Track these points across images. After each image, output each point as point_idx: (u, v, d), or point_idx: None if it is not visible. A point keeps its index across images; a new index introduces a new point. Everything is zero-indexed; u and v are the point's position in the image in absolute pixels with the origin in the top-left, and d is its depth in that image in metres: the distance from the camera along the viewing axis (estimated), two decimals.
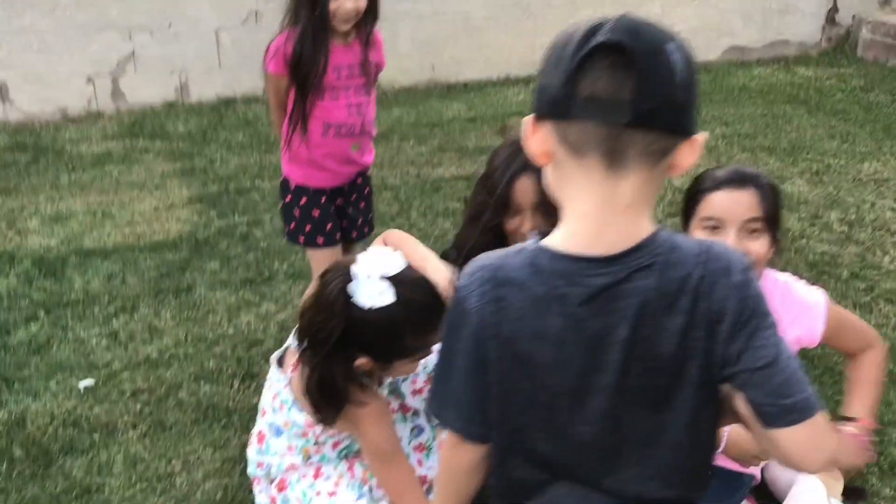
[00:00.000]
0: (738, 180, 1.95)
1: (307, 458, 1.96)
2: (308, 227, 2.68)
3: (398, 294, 1.69)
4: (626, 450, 1.23)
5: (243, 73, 5.52)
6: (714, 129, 5.18)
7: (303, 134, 2.54)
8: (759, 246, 1.91)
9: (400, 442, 1.93)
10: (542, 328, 1.17)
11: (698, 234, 1.96)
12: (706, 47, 6.44)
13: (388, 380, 1.99)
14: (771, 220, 1.93)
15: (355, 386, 1.78)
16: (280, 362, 1.96)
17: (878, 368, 2.09)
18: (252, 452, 2.03)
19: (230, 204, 4.18)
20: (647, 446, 1.22)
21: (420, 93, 5.95)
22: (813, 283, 2.14)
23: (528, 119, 1.16)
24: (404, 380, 1.98)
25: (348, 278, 1.69)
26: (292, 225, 2.72)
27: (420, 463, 2.03)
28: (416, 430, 2.02)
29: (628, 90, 1.04)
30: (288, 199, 2.71)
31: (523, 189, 2.03)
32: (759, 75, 6.34)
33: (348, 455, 2.00)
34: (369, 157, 2.74)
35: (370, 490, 1.95)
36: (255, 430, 2.04)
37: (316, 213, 2.66)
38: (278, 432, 1.95)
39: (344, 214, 2.73)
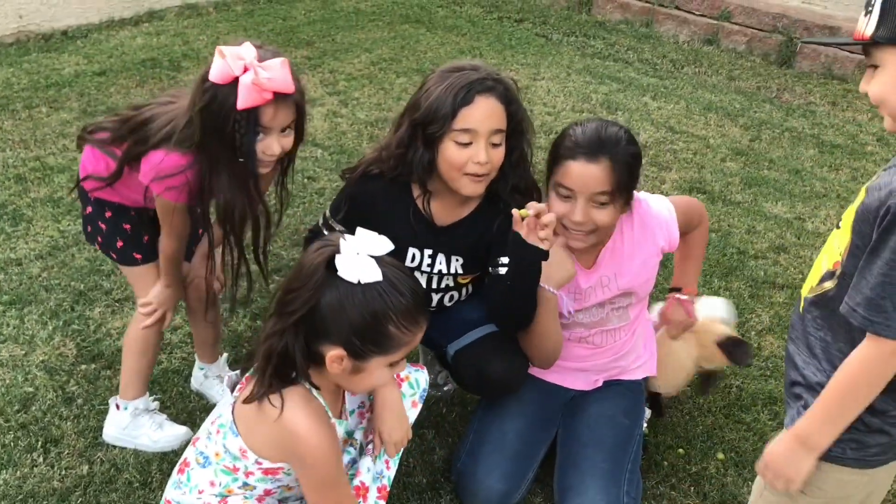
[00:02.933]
0: (595, 150, 1.95)
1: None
2: (120, 243, 2.17)
3: (385, 274, 1.58)
4: None
5: None
6: (359, 55, 5.24)
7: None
8: (605, 216, 2.00)
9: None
10: None
11: (553, 196, 2.02)
12: None
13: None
14: (622, 188, 1.99)
15: (314, 367, 1.64)
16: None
17: (703, 241, 2.39)
18: (168, 486, 1.81)
19: None
20: None
21: (11, 48, 4.94)
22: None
23: None
24: (343, 423, 1.81)
25: (335, 251, 1.57)
26: (99, 239, 2.19)
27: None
28: (350, 465, 1.86)
29: None
30: (88, 211, 2.17)
31: (482, 111, 1.94)
32: None
33: None
34: None
35: None
36: (179, 460, 1.80)
37: (127, 226, 2.16)
38: (205, 462, 1.73)
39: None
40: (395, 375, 1.78)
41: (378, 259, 1.59)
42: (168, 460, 2.24)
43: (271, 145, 1.90)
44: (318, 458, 1.64)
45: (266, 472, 1.72)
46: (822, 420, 1.46)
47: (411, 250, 2.14)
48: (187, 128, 1.90)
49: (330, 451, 1.66)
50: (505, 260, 2.03)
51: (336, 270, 1.56)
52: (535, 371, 2.23)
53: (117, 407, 2.30)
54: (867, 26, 1.37)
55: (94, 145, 2.11)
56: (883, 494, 1.65)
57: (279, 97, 1.84)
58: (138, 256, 2.19)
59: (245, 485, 1.74)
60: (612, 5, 6.30)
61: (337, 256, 1.56)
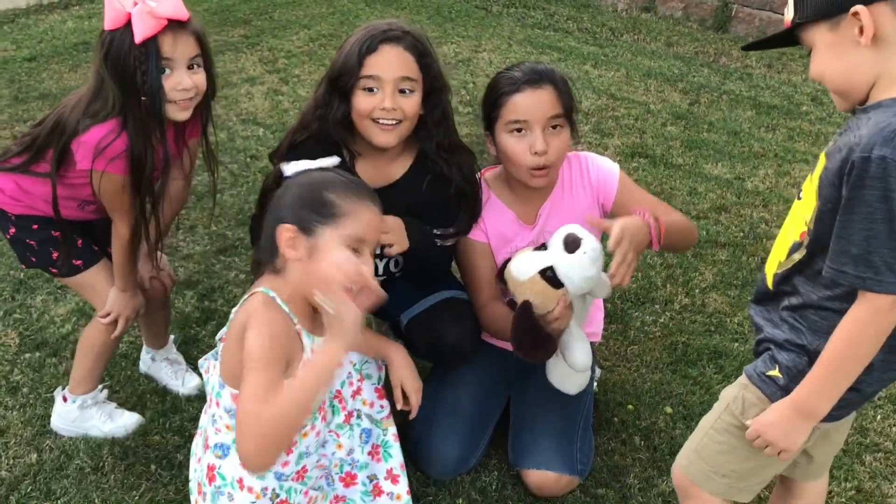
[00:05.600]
0: (536, 79, 2.03)
1: None
2: (55, 254, 2.10)
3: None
4: None
5: None
6: (298, 32, 5.18)
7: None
8: (562, 141, 2.06)
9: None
10: None
11: (505, 137, 2.06)
12: None
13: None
14: (569, 113, 2.09)
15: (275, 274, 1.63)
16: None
17: (686, 222, 2.16)
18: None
19: None
20: None
21: None
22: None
23: (862, 8, 1.32)
24: (342, 385, 1.78)
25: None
26: (33, 259, 2.12)
27: (379, 461, 1.87)
28: (364, 436, 1.84)
29: None
30: (13, 232, 2.10)
31: (387, 58, 1.96)
32: None
33: None
34: None
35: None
36: (193, 479, 1.70)
37: (56, 234, 2.09)
38: (225, 451, 1.63)
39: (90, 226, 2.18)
40: (366, 275, 1.59)
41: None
42: (119, 444, 2.21)
43: (181, 79, 1.88)
44: (256, 341, 1.50)
45: None
46: (823, 386, 1.44)
47: None
48: (99, 94, 1.87)
49: (266, 330, 1.52)
50: (440, 232, 2.11)
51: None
52: (486, 336, 2.26)
53: (64, 399, 2.25)
54: (788, 14, 1.44)
55: (4, 172, 2.04)
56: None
57: (175, 25, 1.85)
58: (78, 263, 2.12)
59: None
60: None
61: (283, 166, 1.66)
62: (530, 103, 2.01)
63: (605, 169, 2.22)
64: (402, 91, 2.00)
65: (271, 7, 5.58)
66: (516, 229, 2.20)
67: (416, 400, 1.93)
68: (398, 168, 2.14)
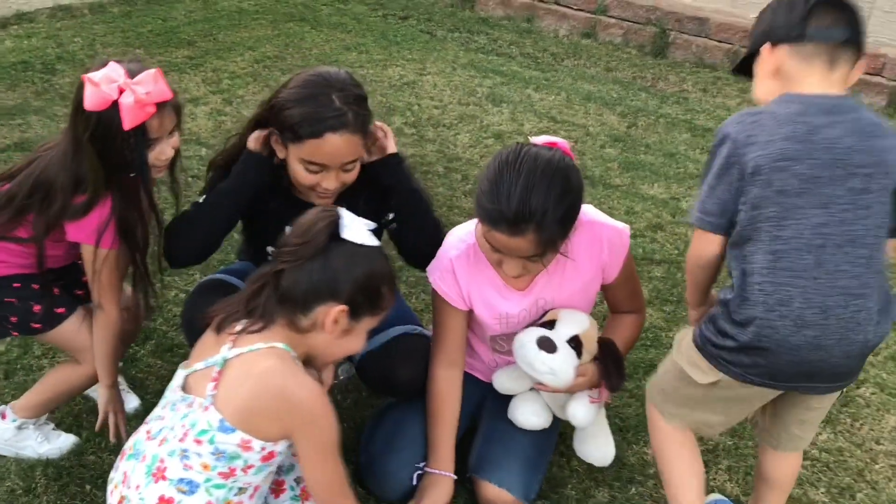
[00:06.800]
0: (517, 223, 1.79)
1: None
2: (37, 307, 2.05)
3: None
4: None
5: None
6: (243, 54, 5.18)
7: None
8: (541, 266, 1.93)
9: None
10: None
11: (484, 239, 1.92)
12: None
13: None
14: (554, 244, 1.88)
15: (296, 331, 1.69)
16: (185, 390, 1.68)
17: (636, 330, 2.24)
18: None
19: None
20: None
21: None
22: None
23: (766, 46, 1.71)
24: None
25: (337, 217, 1.69)
26: (13, 320, 2.06)
27: None
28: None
29: (843, 23, 1.65)
30: None
31: (333, 147, 1.95)
32: None
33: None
34: None
35: None
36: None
37: (36, 286, 2.04)
38: (192, 489, 1.61)
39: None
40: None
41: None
42: (53, 464, 2.18)
43: (164, 150, 1.95)
44: (325, 421, 1.63)
45: (265, 458, 1.64)
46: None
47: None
48: (79, 164, 1.88)
49: (333, 413, 1.65)
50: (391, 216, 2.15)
51: (338, 237, 1.66)
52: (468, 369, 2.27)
53: (3, 416, 2.20)
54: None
55: None
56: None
57: (160, 106, 1.88)
58: (61, 311, 2.07)
59: (240, 490, 1.66)
60: (494, 2, 6.43)
61: (341, 221, 1.67)
62: (506, 245, 1.84)
63: (618, 245, 2.07)
64: (345, 169, 2.01)
65: (216, 29, 5.57)
66: (507, 295, 2.08)
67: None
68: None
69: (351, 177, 2.04)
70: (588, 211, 2.05)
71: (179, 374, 1.72)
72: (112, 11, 5.71)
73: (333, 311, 1.64)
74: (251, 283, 1.71)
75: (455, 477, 2.12)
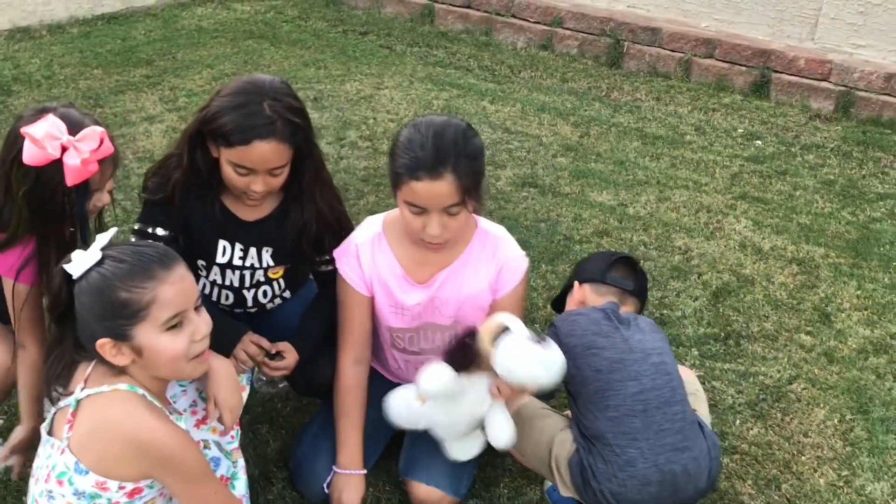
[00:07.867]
0: (435, 167, 1.91)
1: None
2: None
3: (105, 255, 1.60)
4: None
5: None
6: (201, 72, 5.24)
7: None
8: (460, 221, 2.02)
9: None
10: None
11: (403, 208, 2.01)
12: None
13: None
14: (471, 192, 1.98)
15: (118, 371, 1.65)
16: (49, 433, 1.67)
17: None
18: None
19: None
20: None
21: None
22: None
23: (577, 285, 2.33)
24: (182, 419, 1.77)
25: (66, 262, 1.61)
26: None
27: None
28: (212, 465, 1.82)
29: (632, 278, 2.31)
30: None
31: (260, 154, 2.00)
32: (205, 15, 6.46)
33: None
34: None
35: None
36: None
37: None
38: None
39: None
40: (197, 338, 1.65)
41: (106, 246, 1.61)
42: None
43: (101, 198, 1.99)
44: (183, 455, 1.60)
45: (131, 494, 1.63)
46: None
47: (221, 243, 2.22)
48: (11, 213, 1.89)
49: (190, 444, 1.64)
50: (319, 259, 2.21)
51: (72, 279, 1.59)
52: (386, 373, 2.34)
53: None
54: None
55: None
56: None
57: (102, 161, 1.89)
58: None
59: None
60: (452, 16, 6.53)
61: (66, 266, 1.59)
62: (427, 195, 1.94)
63: (511, 267, 2.17)
64: (273, 174, 2.06)
65: (175, 48, 5.63)
66: (404, 286, 2.15)
67: (229, 419, 1.81)
68: (268, 204, 2.22)
69: (278, 182, 2.08)
70: (495, 228, 2.19)
71: (50, 413, 1.71)
72: (71, 32, 5.76)
73: (103, 350, 1.60)
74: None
75: (364, 472, 2.17)
